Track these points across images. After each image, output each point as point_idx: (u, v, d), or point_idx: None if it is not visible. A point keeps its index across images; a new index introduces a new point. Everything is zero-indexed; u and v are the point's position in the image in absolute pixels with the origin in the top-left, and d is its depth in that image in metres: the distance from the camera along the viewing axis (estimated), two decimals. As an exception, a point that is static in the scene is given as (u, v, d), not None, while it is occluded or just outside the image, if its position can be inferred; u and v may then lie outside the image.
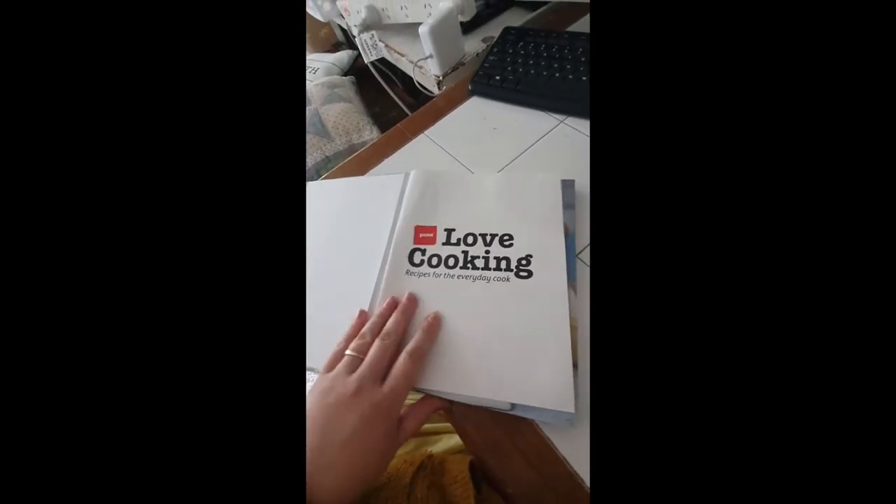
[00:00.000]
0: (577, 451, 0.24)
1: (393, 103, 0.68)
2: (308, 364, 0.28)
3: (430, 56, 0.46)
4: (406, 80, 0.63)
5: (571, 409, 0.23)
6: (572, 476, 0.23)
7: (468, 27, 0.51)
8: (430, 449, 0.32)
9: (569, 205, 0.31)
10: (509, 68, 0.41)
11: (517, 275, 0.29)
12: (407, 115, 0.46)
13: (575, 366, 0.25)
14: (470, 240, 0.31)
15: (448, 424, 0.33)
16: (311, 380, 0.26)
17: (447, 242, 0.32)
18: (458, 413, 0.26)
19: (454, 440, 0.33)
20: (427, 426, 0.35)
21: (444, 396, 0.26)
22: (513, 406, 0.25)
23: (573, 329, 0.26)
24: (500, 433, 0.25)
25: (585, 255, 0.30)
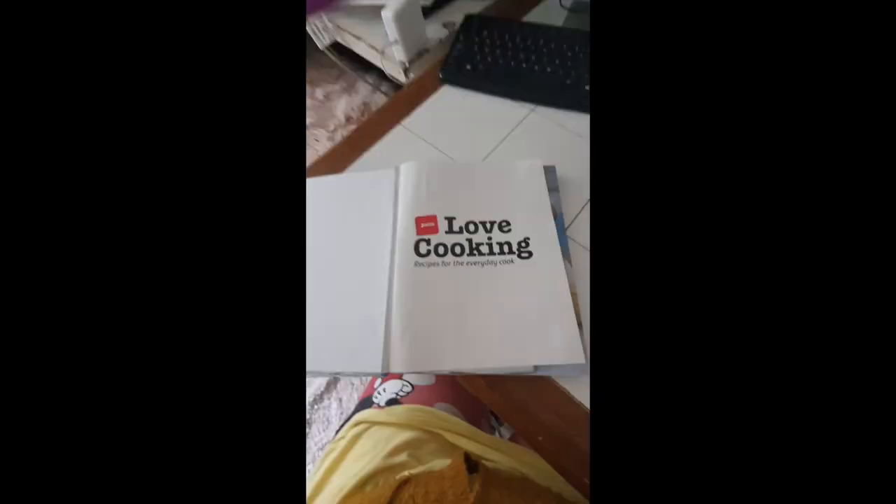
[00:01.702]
0: (589, 395, 0.29)
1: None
2: (318, 368, 0.28)
3: (395, 42, 0.45)
4: (363, 63, 0.60)
5: (583, 360, 0.28)
6: (589, 415, 0.28)
7: (425, 12, 0.50)
8: (407, 472, 0.30)
9: (553, 188, 0.35)
10: (478, 57, 0.43)
11: (520, 256, 0.32)
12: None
13: (580, 325, 0.30)
14: (472, 228, 0.34)
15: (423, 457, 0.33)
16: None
17: (450, 231, 0.33)
18: (486, 384, 0.29)
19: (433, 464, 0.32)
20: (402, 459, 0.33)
21: (473, 373, 0.29)
22: (535, 368, 0.29)
23: (574, 296, 0.31)
24: (525, 394, 0.29)
25: (572, 232, 0.34)
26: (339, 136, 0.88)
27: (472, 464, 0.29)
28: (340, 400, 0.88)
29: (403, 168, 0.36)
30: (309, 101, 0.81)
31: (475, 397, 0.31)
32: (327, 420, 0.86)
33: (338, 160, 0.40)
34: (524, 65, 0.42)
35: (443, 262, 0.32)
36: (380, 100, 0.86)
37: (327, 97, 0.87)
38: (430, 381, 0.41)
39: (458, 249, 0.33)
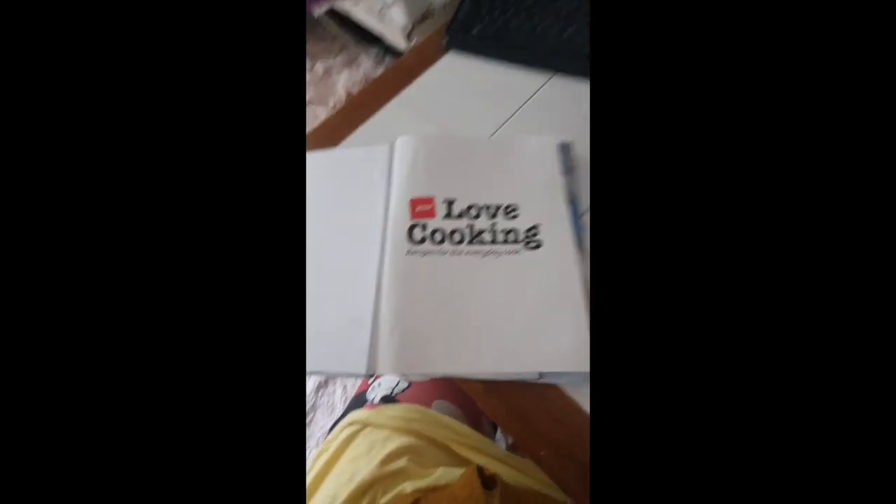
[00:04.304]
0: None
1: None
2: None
3: (395, 1, 0.40)
4: (365, 34, 0.56)
5: (595, 370, 0.25)
6: (599, 429, 0.25)
7: (431, -31, 0.45)
8: (411, 487, 0.27)
9: (568, 169, 0.31)
10: (487, 19, 0.38)
11: (527, 246, 0.28)
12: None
13: (593, 328, 0.26)
14: (474, 212, 0.30)
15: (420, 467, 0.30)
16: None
17: (449, 215, 0.30)
18: (483, 388, 0.26)
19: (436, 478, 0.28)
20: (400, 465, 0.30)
21: (472, 377, 0.26)
22: (541, 375, 0.25)
23: (587, 293, 0.27)
24: (525, 400, 0.26)
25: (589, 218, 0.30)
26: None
27: (485, 478, 0.26)
28: (345, 386, 0.87)
29: (399, 143, 0.32)
30: (307, 76, 0.77)
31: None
32: (332, 406, 0.86)
33: (328, 136, 0.36)
34: (539, 28, 0.36)
35: (439, 251, 0.29)
36: (384, 74, 0.81)
37: (327, 72, 0.81)
38: (427, 376, 0.38)
39: (457, 237, 0.29)
